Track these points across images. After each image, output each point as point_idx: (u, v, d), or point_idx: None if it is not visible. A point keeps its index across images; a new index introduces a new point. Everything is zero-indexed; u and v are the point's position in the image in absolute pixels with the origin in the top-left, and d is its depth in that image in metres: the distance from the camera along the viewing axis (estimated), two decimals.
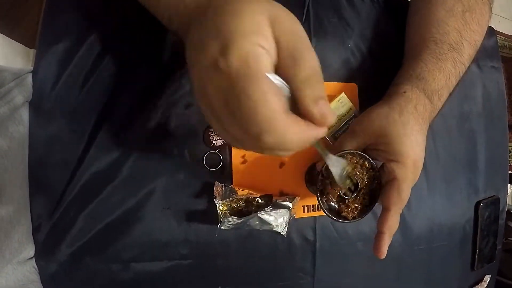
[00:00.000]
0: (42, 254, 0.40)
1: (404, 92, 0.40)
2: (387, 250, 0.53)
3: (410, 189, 0.37)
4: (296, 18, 0.24)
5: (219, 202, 0.40)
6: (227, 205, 0.42)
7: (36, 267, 0.40)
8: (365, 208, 0.40)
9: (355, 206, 0.39)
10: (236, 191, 0.41)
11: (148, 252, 0.43)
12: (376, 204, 0.39)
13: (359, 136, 0.39)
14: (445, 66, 0.42)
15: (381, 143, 0.37)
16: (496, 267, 0.64)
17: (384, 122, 0.37)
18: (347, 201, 0.39)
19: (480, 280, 0.62)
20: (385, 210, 0.37)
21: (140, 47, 0.43)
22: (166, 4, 0.30)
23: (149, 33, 0.42)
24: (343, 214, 0.39)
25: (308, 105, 0.23)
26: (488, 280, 0.62)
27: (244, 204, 0.42)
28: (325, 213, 0.38)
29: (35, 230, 0.40)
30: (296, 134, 0.23)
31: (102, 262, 0.42)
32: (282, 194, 0.47)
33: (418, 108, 0.39)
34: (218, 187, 0.41)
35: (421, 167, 0.38)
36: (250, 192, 0.43)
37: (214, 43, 0.22)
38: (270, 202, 0.42)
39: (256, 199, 0.42)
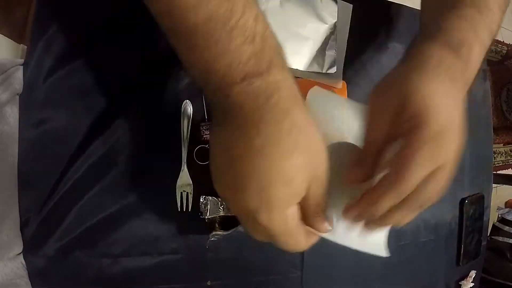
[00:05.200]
0: (30, 249, 0.40)
1: (421, 52, 0.30)
2: None
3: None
4: (325, 154, 0.26)
5: (206, 217, 0.41)
6: (215, 217, 0.43)
7: (23, 262, 0.39)
8: None
9: None
10: (222, 204, 0.42)
11: (138, 246, 0.43)
12: None
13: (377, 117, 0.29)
14: (467, 13, 0.32)
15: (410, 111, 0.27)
16: (481, 263, 0.66)
17: (402, 86, 0.28)
18: None
19: (465, 276, 0.63)
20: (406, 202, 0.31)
21: (136, 37, 0.43)
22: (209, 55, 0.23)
23: (144, 23, 0.42)
24: None
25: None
26: (474, 276, 0.63)
27: None
28: None
29: (23, 225, 0.39)
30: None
31: (92, 256, 0.41)
32: None
33: (441, 66, 0.29)
34: (204, 202, 0.41)
35: (458, 134, 0.28)
36: None
37: (256, 198, 0.23)
38: None
39: None
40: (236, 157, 0.24)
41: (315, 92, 0.30)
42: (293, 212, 0.25)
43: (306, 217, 0.27)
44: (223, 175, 0.26)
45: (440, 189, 0.28)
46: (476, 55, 0.31)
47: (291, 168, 0.23)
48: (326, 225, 0.28)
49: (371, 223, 0.30)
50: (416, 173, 0.26)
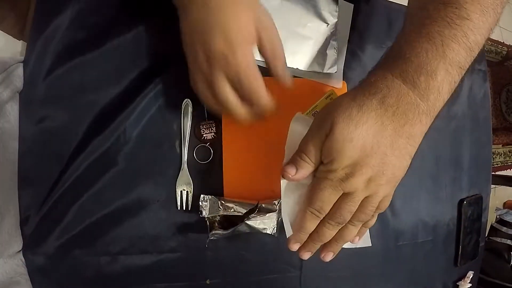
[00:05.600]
0: (30, 247, 0.40)
1: (373, 80, 0.31)
2: (373, 245, 0.54)
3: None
4: (271, 16, 0.35)
5: (206, 216, 0.41)
6: (215, 216, 0.43)
7: (23, 259, 0.40)
8: None
9: None
10: (222, 203, 0.42)
11: (137, 245, 0.43)
12: None
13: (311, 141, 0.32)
14: (433, 30, 0.30)
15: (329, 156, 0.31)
16: (479, 263, 0.66)
17: (330, 109, 0.31)
18: None
19: (463, 276, 0.63)
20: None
21: (136, 35, 0.43)
22: None
23: (144, 21, 0.42)
24: None
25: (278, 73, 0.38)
26: (471, 276, 0.64)
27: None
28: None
29: (23, 223, 0.39)
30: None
31: (91, 254, 0.41)
32: (273, 190, 0.47)
33: (386, 100, 0.29)
34: (203, 201, 0.41)
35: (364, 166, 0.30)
36: (237, 200, 0.44)
37: (221, 40, 0.31)
38: (256, 208, 0.42)
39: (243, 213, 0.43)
40: (202, 19, 0.32)
41: (296, 117, 0.38)
42: (251, 50, 0.33)
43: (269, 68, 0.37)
44: (194, 40, 0.33)
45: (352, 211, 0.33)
46: (440, 79, 0.30)
47: (241, 13, 0.32)
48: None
49: (327, 249, 0.37)
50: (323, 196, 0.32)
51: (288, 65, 0.48)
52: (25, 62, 0.40)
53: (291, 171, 0.33)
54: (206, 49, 0.32)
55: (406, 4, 0.53)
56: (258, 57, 0.35)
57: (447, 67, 0.30)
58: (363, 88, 0.31)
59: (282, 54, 0.37)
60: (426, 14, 0.32)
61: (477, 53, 0.31)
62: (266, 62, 0.37)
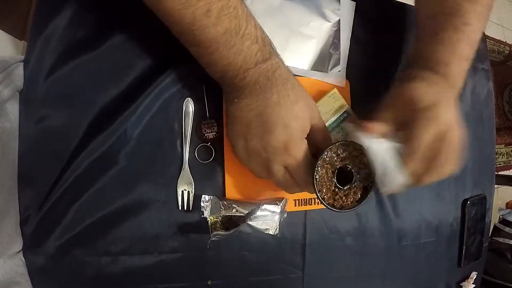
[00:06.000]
0: (30, 247, 0.40)
1: (409, 74, 0.41)
2: (376, 246, 0.54)
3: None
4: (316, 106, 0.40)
5: (208, 216, 0.41)
6: (217, 216, 0.43)
7: (23, 260, 0.39)
8: (356, 203, 0.41)
9: (345, 196, 0.41)
10: (223, 203, 0.42)
11: (138, 245, 0.43)
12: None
13: (394, 109, 0.40)
14: (443, 36, 0.41)
15: (415, 111, 0.38)
16: (482, 264, 0.66)
17: (419, 92, 0.38)
18: (339, 192, 0.40)
19: (466, 277, 0.63)
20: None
21: (137, 35, 0.42)
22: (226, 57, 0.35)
23: (144, 22, 0.42)
24: (335, 204, 0.40)
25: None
26: (475, 277, 0.63)
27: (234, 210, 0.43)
28: (319, 199, 0.39)
29: (23, 223, 0.39)
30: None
31: (91, 255, 0.41)
32: (275, 190, 0.47)
33: (426, 79, 0.40)
34: (205, 202, 0.41)
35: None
36: (239, 201, 0.43)
37: (283, 134, 0.35)
38: (258, 209, 0.42)
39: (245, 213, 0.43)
40: (260, 112, 0.35)
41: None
42: (306, 142, 0.38)
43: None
44: (251, 130, 0.36)
45: (453, 149, 0.38)
46: (454, 68, 0.41)
47: (299, 110, 0.36)
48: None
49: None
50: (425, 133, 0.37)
51: (291, 65, 0.48)
52: (25, 61, 0.40)
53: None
54: (266, 141, 0.35)
55: (406, 2, 0.53)
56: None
57: (458, 60, 0.42)
58: (422, 79, 0.40)
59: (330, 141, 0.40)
60: (437, 24, 0.43)
61: (477, 47, 0.43)
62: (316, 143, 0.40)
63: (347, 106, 0.49)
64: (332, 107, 0.48)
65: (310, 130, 0.38)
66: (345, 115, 0.48)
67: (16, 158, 0.39)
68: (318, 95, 0.49)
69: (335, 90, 0.48)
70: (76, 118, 0.41)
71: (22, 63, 0.40)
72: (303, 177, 0.38)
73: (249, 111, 0.35)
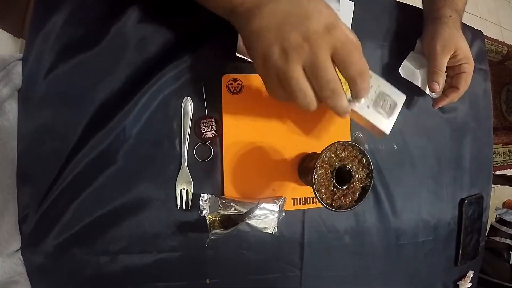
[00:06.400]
0: (29, 246, 0.39)
1: (450, 16, 0.54)
2: (374, 245, 0.54)
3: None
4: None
5: (207, 214, 0.41)
6: (215, 215, 0.43)
7: (22, 258, 0.39)
8: (354, 203, 0.41)
9: (344, 196, 0.41)
10: (222, 202, 0.42)
11: (137, 244, 0.43)
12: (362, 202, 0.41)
13: (445, 53, 0.52)
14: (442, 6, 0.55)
15: (457, 52, 0.52)
16: (479, 263, 0.66)
17: (456, 39, 0.52)
18: (338, 192, 0.40)
19: (463, 276, 0.63)
20: (454, 88, 0.53)
21: (136, 32, 0.42)
22: None
23: (145, 17, 0.42)
24: (333, 204, 0.40)
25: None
26: (472, 276, 0.63)
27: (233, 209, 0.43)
28: (317, 198, 0.39)
29: (22, 221, 0.39)
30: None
31: (90, 254, 0.41)
32: (274, 189, 0.47)
33: (458, 24, 0.55)
34: (204, 200, 0.41)
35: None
36: (238, 199, 0.43)
37: (320, 16, 0.32)
38: (257, 207, 0.42)
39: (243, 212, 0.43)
40: (289, 7, 0.32)
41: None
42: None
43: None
44: (285, 26, 0.32)
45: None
46: (455, 16, 0.54)
47: (325, 4, 0.33)
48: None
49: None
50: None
51: None
52: (24, 60, 0.40)
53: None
54: (304, 31, 0.31)
55: (406, 2, 0.54)
56: None
57: (451, 9, 0.55)
58: (448, 26, 0.53)
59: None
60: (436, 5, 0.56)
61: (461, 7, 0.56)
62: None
63: None
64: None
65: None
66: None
67: (15, 157, 0.39)
68: None
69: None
70: (74, 117, 0.41)
71: (21, 62, 0.40)
72: (350, 58, 0.32)
73: (276, 13, 0.32)
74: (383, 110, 0.41)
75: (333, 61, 0.32)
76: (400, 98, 0.42)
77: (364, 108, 0.40)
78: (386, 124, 0.41)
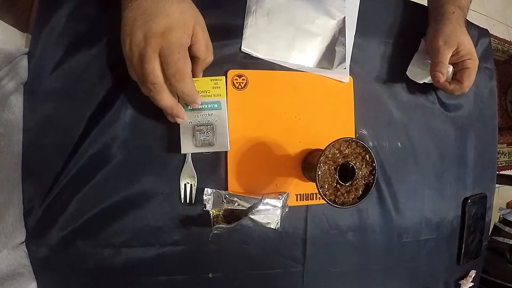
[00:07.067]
0: (33, 238, 0.40)
1: (453, 12, 0.54)
2: (376, 242, 0.54)
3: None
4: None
5: (210, 209, 0.41)
6: (219, 210, 0.43)
7: (26, 251, 0.40)
8: (358, 200, 0.41)
9: (347, 193, 0.41)
10: (226, 197, 0.42)
11: (140, 237, 0.43)
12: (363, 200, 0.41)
13: (447, 48, 0.52)
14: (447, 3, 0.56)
15: (460, 48, 0.52)
16: (481, 263, 0.66)
17: (459, 34, 0.52)
18: (341, 189, 0.41)
19: (465, 275, 0.63)
20: (458, 81, 0.53)
21: None
22: None
23: None
24: (337, 200, 0.40)
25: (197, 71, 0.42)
26: (473, 275, 0.63)
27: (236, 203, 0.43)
28: (320, 195, 0.39)
29: (27, 214, 0.40)
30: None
31: (94, 247, 0.42)
32: (277, 184, 0.47)
33: (462, 20, 0.55)
34: (207, 195, 0.42)
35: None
36: (241, 195, 0.44)
37: (163, 22, 0.36)
38: (260, 203, 0.42)
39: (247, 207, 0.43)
40: (147, 7, 0.36)
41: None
42: (186, 39, 0.37)
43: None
44: (136, 23, 0.36)
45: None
46: (458, 12, 0.54)
47: (185, 8, 0.37)
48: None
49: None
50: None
51: (297, 63, 0.48)
52: (29, 54, 0.40)
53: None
54: (147, 29, 0.36)
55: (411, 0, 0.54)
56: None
57: (455, 6, 0.55)
58: (450, 22, 0.53)
59: (211, 55, 0.42)
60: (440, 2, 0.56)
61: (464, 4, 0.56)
62: (197, 57, 0.40)
63: (224, 100, 0.43)
64: (209, 90, 0.43)
65: (193, 36, 0.38)
66: (216, 106, 0.43)
67: (20, 150, 0.39)
68: (322, 91, 0.49)
69: (223, 78, 0.43)
70: (79, 111, 0.41)
71: (27, 56, 0.40)
72: (175, 65, 0.36)
73: (138, 8, 0.36)
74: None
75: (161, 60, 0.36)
76: None
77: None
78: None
